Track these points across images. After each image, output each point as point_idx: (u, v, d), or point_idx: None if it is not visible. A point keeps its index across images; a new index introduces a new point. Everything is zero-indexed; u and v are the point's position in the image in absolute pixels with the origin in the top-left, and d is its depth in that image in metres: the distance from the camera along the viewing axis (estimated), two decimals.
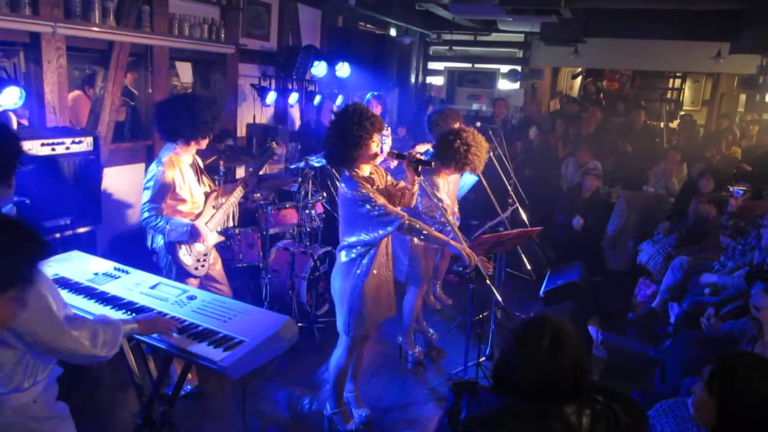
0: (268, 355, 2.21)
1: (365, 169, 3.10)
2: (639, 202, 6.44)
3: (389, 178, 3.29)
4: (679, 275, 4.82)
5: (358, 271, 3.09)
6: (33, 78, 4.07)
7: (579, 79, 12.83)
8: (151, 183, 3.21)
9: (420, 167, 3.19)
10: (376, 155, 3.05)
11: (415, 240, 3.99)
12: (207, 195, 3.47)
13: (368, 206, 2.93)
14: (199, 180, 3.45)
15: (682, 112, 11.60)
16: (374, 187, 3.08)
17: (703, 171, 5.99)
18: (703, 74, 11.95)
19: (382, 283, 3.20)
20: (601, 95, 12.43)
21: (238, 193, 3.63)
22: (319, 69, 6.56)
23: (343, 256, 3.14)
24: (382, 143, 3.16)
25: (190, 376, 3.56)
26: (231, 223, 3.89)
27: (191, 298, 2.49)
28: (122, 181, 4.94)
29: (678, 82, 12.73)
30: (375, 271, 3.11)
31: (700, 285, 4.44)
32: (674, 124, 10.89)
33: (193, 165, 3.44)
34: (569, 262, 5.42)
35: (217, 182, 4.27)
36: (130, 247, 4.81)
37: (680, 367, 3.37)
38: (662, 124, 10.11)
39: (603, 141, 7.94)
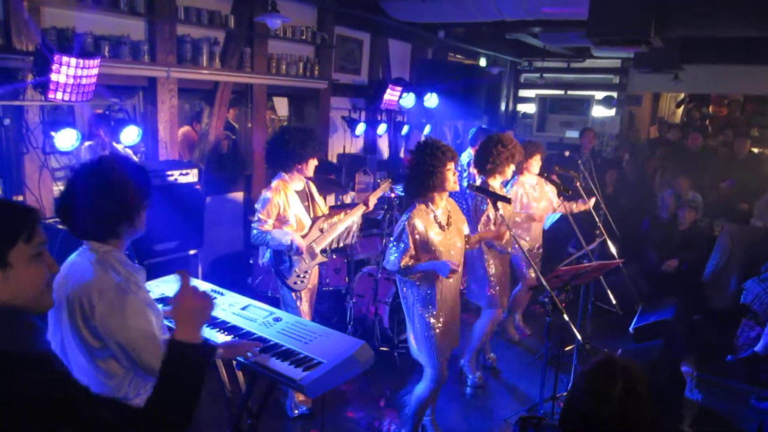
0: (343, 377, 2.33)
1: (438, 203, 3.19)
2: (745, 236, 5.99)
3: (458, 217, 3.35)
4: None
5: (412, 301, 3.20)
6: (149, 117, 4.58)
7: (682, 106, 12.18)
8: (259, 205, 3.59)
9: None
10: (451, 186, 3.15)
11: (491, 264, 4.00)
12: (315, 219, 3.72)
13: (393, 241, 3.14)
14: (309, 206, 3.73)
15: None
16: (437, 222, 3.15)
17: None
18: None
19: (448, 311, 3.24)
20: (707, 121, 11.70)
21: (358, 212, 3.85)
22: (407, 100, 6.76)
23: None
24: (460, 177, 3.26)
25: (302, 397, 3.77)
26: (349, 241, 4.15)
27: (277, 320, 2.68)
28: (222, 208, 5.35)
29: None
30: (434, 298, 3.17)
31: None
32: None
33: (304, 192, 3.73)
34: (664, 298, 5.15)
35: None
36: (228, 269, 5.19)
37: None
38: None
39: (706, 170, 7.49)
